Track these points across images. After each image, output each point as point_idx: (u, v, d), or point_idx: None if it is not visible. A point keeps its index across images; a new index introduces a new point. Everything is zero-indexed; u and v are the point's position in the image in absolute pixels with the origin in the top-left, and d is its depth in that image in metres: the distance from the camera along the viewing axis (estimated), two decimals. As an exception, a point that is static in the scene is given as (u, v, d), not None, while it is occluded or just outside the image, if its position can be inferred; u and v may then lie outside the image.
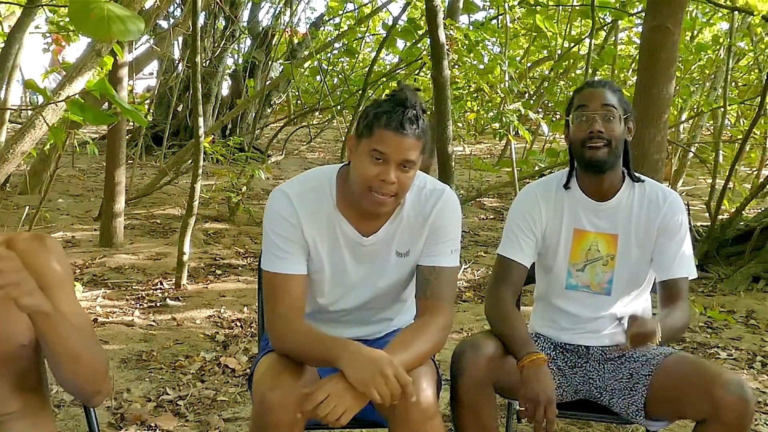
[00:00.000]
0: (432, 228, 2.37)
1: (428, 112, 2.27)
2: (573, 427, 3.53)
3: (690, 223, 6.99)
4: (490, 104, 6.12)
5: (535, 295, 2.89)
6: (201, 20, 11.07)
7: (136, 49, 9.98)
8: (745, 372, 4.34)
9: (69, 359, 1.79)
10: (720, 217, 6.84)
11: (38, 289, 1.70)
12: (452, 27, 5.39)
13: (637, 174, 2.67)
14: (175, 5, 10.72)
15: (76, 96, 3.58)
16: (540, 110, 13.62)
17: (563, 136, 2.75)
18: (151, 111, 12.12)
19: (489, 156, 14.36)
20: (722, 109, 8.90)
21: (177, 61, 12.15)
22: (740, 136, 8.80)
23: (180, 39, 11.77)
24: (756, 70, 11.39)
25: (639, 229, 2.61)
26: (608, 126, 2.49)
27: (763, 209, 7.31)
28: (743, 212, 6.80)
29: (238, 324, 4.85)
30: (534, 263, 2.80)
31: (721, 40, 9.99)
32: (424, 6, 4.68)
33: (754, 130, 10.53)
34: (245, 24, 12.84)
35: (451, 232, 2.40)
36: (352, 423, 2.20)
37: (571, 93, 2.70)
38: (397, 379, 2.03)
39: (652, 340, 2.26)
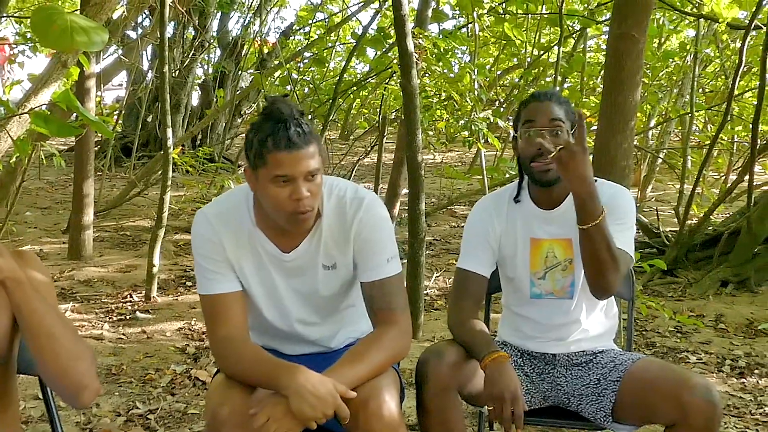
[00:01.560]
0: (360, 241, 2.33)
1: (305, 113, 2.23)
2: (545, 434, 3.55)
3: (659, 228, 7.08)
4: (459, 112, 6.12)
5: (502, 303, 2.90)
6: (170, 30, 11.04)
7: (104, 59, 9.92)
8: (714, 375, 4.37)
9: (46, 338, 1.76)
10: (689, 222, 6.90)
11: (8, 254, 1.69)
12: (420, 36, 5.40)
13: None
14: (144, 15, 10.66)
15: (42, 108, 3.55)
16: (510, 118, 13.65)
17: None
18: (119, 122, 12.03)
19: (460, 164, 14.40)
20: (690, 116, 9.00)
21: (146, 72, 12.08)
22: (708, 142, 8.89)
23: (149, 49, 11.71)
24: (722, 77, 11.50)
25: None
26: (556, 141, 2.46)
27: (730, 214, 7.38)
28: (711, 217, 6.86)
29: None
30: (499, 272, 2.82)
31: (688, 47, 10.08)
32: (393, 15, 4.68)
33: (721, 135, 10.66)
34: (215, 34, 12.80)
35: (382, 241, 2.34)
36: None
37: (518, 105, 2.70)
38: (338, 412, 2.07)
39: (578, 154, 2.29)
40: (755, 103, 6.36)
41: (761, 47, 5.93)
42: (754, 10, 6.08)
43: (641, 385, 2.43)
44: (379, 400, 2.14)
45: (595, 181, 2.64)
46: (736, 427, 3.67)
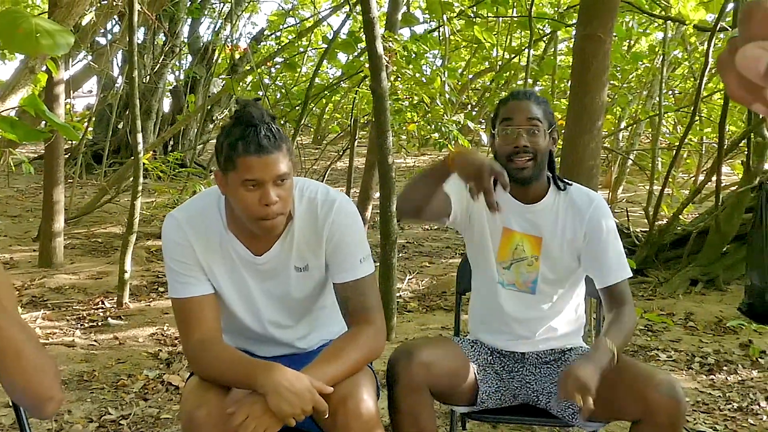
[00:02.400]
0: (332, 243, 2.34)
1: (276, 117, 2.21)
2: (517, 432, 3.57)
3: (629, 228, 7.15)
4: (429, 115, 6.16)
5: (471, 297, 2.92)
6: (140, 36, 10.99)
7: (73, 66, 9.86)
8: (684, 373, 4.42)
9: (12, 354, 1.73)
10: (659, 222, 6.97)
11: None
12: (390, 39, 5.42)
13: (564, 180, 2.72)
14: (113, 21, 10.62)
15: (9, 113, 3.53)
16: (482, 120, 13.74)
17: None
18: (90, 129, 11.96)
19: (433, 167, 14.43)
20: (658, 117, 9.10)
21: (116, 78, 12.03)
22: (677, 143, 8.99)
23: (119, 55, 11.66)
24: (692, 79, 11.63)
25: (564, 232, 2.65)
26: (533, 140, 2.52)
27: (699, 214, 7.47)
28: (681, 217, 6.94)
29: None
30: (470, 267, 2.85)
31: (657, 49, 10.19)
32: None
33: (690, 136, 10.77)
34: (185, 39, 12.77)
35: (354, 242, 2.36)
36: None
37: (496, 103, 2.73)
38: (316, 408, 2.08)
39: (587, 391, 2.28)
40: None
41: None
42: (719, 12, 6.16)
43: (607, 383, 2.45)
44: (357, 398, 2.16)
45: (570, 185, 2.70)
46: (705, 423, 3.72)
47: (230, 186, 2.17)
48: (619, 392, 2.41)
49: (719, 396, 4.08)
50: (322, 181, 9.21)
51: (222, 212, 2.32)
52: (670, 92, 12.22)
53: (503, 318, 2.73)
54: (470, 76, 13.53)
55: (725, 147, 6.56)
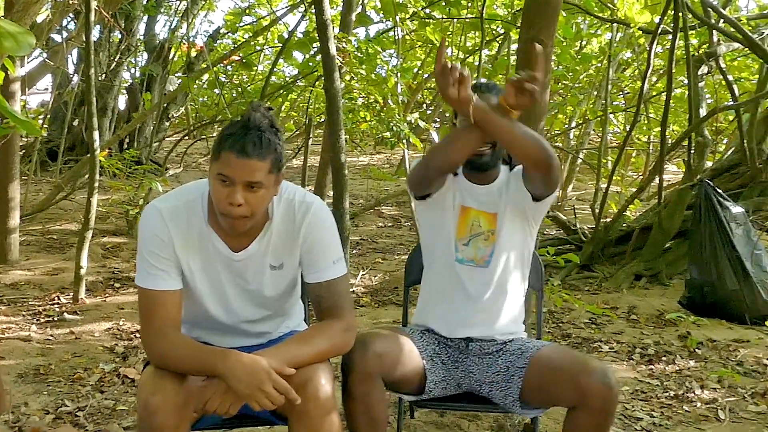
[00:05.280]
0: (307, 244, 2.44)
1: (280, 131, 2.31)
2: (463, 420, 3.69)
3: (576, 225, 7.34)
4: (383, 114, 6.27)
5: (422, 284, 3.02)
6: (95, 34, 10.96)
7: (28, 63, 9.82)
8: (625, 363, 4.60)
9: None
10: (605, 219, 7.17)
11: None
12: (344, 40, 5.54)
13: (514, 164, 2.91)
14: (69, 19, 10.57)
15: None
16: (437, 120, 13.88)
17: None
18: (45, 126, 11.89)
19: (388, 165, 14.57)
20: (605, 117, 9.31)
21: (72, 75, 11.96)
22: (625, 142, 9.19)
23: (74, 53, 11.60)
24: (641, 80, 11.86)
25: (509, 203, 2.82)
26: None
27: (644, 211, 7.68)
28: (627, 214, 7.14)
29: (138, 335, 4.87)
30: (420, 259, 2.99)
31: (606, 50, 10.41)
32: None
33: (639, 136, 11.03)
34: (141, 37, 12.73)
35: (328, 244, 2.46)
36: (248, 422, 2.34)
37: None
38: (278, 388, 2.16)
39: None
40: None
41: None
42: (660, 15, 6.36)
43: (545, 371, 2.60)
44: (315, 383, 2.25)
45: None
46: (643, 410, 3.88)
47: (211, 173, 2.29)
48: (555, 380, 2.55)
49: (657, 385, 4.26)
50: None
51: (204, 207, 2.41)
52: (620, 93, 12.46)
53: (458, 297, 2.85)
54: (425, 76, 13.65)
55: (668, 146, 6.76)
